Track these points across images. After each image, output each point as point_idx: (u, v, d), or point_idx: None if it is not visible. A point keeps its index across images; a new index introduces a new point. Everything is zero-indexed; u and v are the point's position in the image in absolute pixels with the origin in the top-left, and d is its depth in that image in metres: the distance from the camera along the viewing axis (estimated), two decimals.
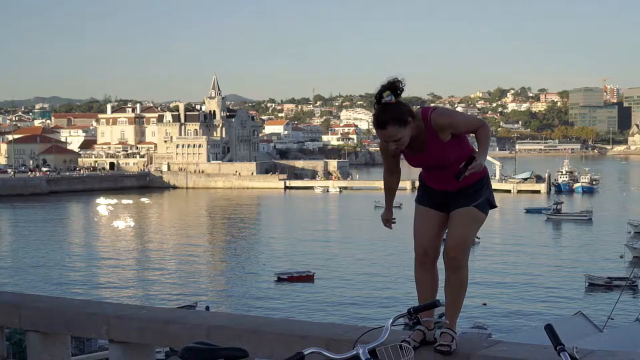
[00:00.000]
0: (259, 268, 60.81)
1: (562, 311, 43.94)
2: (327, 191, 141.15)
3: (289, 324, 5.41)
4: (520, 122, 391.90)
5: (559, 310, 44.14)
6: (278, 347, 5.03)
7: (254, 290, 52.75)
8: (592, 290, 50.58)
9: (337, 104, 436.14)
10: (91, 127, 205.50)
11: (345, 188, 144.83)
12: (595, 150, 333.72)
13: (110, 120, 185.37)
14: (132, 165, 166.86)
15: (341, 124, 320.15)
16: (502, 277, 54.51)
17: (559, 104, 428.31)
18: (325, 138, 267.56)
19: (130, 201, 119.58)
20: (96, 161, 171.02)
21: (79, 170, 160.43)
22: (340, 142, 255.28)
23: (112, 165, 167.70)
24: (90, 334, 5.90)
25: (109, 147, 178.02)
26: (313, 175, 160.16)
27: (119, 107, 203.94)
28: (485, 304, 45.90)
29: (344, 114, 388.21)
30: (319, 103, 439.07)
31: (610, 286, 50.33)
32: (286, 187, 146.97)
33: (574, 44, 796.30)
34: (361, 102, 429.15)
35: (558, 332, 3.84)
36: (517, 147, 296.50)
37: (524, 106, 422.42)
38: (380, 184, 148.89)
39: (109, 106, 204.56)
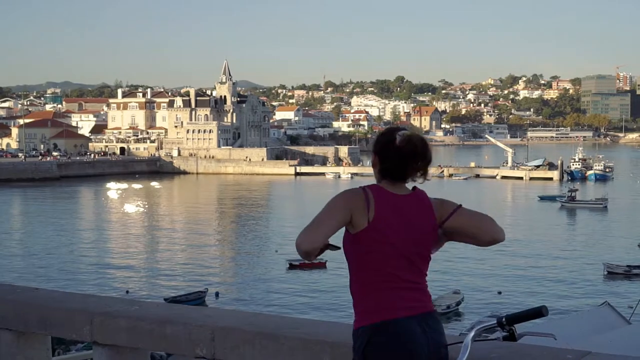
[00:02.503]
0: (270, 254, 59.90)
1: (581, 300, 42.88)
2: (339, 177, 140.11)
3: (313, 327, 4.37)
4: (532, 110, 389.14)
5: (578, 300, 43.07)
6: (299, 356, 4.02)
7: (266, 276, 51.86)
8: (611, 279, 49.46)
9: (348, 90, 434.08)
10: (102, 112, 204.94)
11: (357, 174, 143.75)
12: (608, 138, 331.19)
13: (121, 105, 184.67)
14: (142, 150, 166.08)
15: (352, 111, 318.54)
16: (517, 265, 53.40)
17: (571, 91, 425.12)
18: (335, 124, 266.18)
19: (141, 186, 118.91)
20: (107, 146, 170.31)
21: (90, 154, 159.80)
22: (351, 129, 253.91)
23: (122, 150, 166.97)
24: (70, 335, 4.86)
25: (120, 132, 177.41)
26: (324, 161, 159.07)
27: (130, 92, 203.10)
28: (500, 293, 44.93)
29: (354, 100, 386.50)
30: (329, 89, 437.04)
31: (629, 275, 49.23)
32: (297, 173, 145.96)
33: (587, 31, 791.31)
34: (372, 89, 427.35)
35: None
36: (529, 134, 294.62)
37: (536, 93, 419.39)
38: None
39: (119, 91, 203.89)
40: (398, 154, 3.59)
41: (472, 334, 3.16)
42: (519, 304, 42.51)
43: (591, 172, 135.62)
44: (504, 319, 3.17)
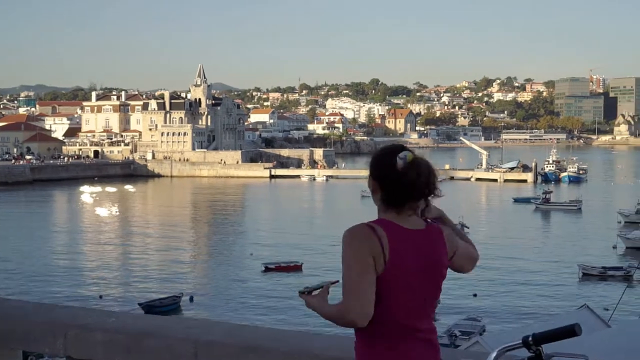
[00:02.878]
0: (246, 258, 59.60)
1: (557, 302, 42.99)
2: (314, 180, 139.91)
3: (301, 340, 4.14)
4: (506, 112, 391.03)
5: (554, 302, 43.18)
6: None
7: (241, 279, 51.55)
8: (586, 280, 49.64)
9: (322, 92, 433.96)
10: (76, 115, 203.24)
11: (332, 177, 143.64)
12: (581, 140, 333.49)
13: (95, 108, 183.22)
14: (116, 153, 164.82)
15: (327, 113, 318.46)
16: (492, 267, 53.45)
17: (544, 93, 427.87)
18: (310, 127, 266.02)
19: (115, 189, 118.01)
20: (80, 149, 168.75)
21: (63, 158, 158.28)
22: (326, 131, 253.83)
23: (96, 153, 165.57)
24: (43, 349, 4.60)
25: (94, 135, 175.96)
26: (299, 164, 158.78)
27: (104, 95, 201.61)
28: (475, 295, 44.92)
29: (329, 102, 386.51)
30: (304, 92, 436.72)
31: (604, 276, 49.45)
32: (272, 176, 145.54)
33: (561, 33, 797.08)
34: (347, 91, 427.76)
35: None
36: (503, 136, 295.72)
37: (510, 96, 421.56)
38: (365, 172, 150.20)
39: (93, 94, 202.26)
40: (401, 181, 3.17)
41: (494, 354, 2.85)
42: (494, 307, 42.57)
43: (565, 174, 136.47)
44: (530, 339, 2.84)
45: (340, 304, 3.12)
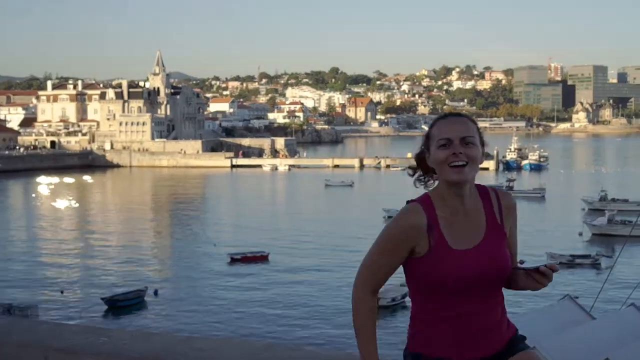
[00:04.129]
0: (210, 249, 58.46)
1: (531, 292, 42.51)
2: (276, 169, 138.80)
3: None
4: (465, 100, 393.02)
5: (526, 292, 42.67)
6: None
7: (207, 271, 50.47)
8: None
9: (282, 81, 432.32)
10: (31, 105, 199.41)
11: (294, 166, 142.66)
12: (540, 128, 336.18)
13: (51, 97, 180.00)
14: (74, 143, 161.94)
15: (287, 102, 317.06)
16: None
17: (503, 82, 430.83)
18: (271, 116, 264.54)
19: (72, 180, 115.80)
20: (37, 139, 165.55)
21: (19, 149, 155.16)
22: (287, 120, 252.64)
23: (53, 143, 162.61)
24: None
25: (50, 125, 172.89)
26: (260, 153, 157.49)
27: (60, 84, 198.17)
28: None
29: (289, 91, 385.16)
30: (264, 81, 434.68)
31: (573, 264, 49.21)
32: (233, 166, 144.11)
33: (519, 22, 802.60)
34: (307, 80, 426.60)
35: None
36: None
37: (469, 84, 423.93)
38: (328, 161, 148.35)
39: (49, 83, 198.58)
40: None
41: None
42: None
43: (526, 162, 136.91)
44: None
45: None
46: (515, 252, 3.43)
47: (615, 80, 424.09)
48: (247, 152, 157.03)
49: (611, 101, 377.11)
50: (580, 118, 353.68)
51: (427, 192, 3.27)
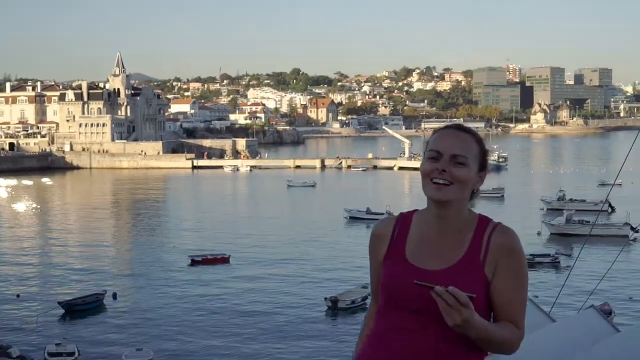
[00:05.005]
0: (170, 251, 58.10)
1: None
2: (237, 170, 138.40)
3: None
4: (425, 101, 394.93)
5: None
6: None
7: (167, 273, 50.11)
8: None
9: (244, 82, 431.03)
10: None
11: (255, 167, 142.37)
12: (499, 129, 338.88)
13: (10, 99, 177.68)
14: (33, 145, 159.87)
15: (249, 103, 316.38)
16: None
17: (463, 83, 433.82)
18: (232, 117, 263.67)
19: (31, 182, 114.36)
20: None
21: None
22: (248, 121, 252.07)
23: (11, 145, 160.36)
24: None
25: (8, 127, 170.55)
26: (221, 154, 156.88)
27: (19, 86, 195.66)
28: None
29: (251, 92, 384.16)
30: (225, 82, 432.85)
31: (533, 263, 49.63)
32: (194, 167, 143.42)
33: (478, 23, 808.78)
34: (268, 81, 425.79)
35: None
36: (424, 125, 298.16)
37: (429, 85, 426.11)
38: (289, 162, 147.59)
39: (7, 85, 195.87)
40: None
41: None
42: None
43: None
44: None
45: (517, 328, 2.87)
46: (512, 308, 2.86)
47: (572, 82, 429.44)
48: (209, 154, 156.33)
49: (568, 102, 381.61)
50: (538, 119, 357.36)
51: (416, 209, 3.06)
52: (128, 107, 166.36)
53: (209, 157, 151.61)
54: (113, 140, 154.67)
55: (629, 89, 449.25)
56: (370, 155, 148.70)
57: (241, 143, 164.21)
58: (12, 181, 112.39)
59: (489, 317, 2.81)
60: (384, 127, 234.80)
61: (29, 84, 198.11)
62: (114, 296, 43.41)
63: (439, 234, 2.89)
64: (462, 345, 2.77)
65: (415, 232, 2.94)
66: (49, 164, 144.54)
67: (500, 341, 2.77)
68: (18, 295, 43.72)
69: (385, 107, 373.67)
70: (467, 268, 2.81)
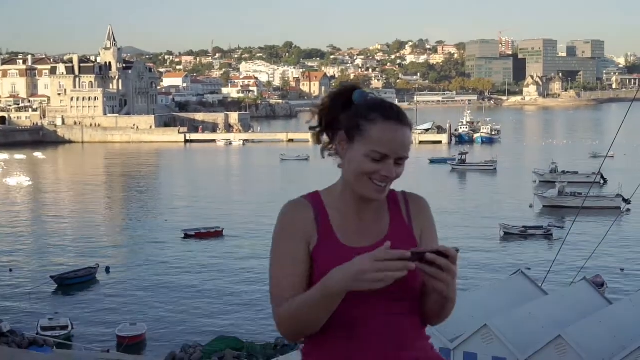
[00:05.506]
0: (163, 225, 58.02)
1: (483, 262, 42.91)
2: (230, 144, 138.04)
3: None
4: (418, 74, 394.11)
5: (479, 261, 43.07)
6: None
7: (159, 248, 50.09)
8: (507, 240, 49.89)
9: (236, 56, 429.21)
10: None
11: (248, 141, 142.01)
12: (492, 102, 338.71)
13: (0, 72, 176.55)
14: (24, 119, 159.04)
15: (241, 77, 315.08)
16: None
17: (456, 55, 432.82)
18: (225, 91, 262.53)
19: (23, 157, 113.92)
20: None
21: None
22: (241, 95, 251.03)
23: (3, 119, 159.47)
24: None
25: (0, 101, 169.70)
26: (214, 128, 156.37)
27: (10, 59, 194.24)
28: None
29: (243, 66, 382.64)
30: (217, 55, 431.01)
31: (525, 235, 49.81)
32: (187, 141, 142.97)
33: None
34: (261, 55, 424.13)
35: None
36: (416, 98, 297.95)
37: (422, 58, 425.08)
38: (282, 136, 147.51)
39: None
40: None
41: None
42: None
43: (478, 135, 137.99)
44: None
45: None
46: None
47: (564, 54, 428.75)
48: (203, 128, 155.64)
49: (561, 75, 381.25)
50: (530, 91, 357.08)
51: (317, 190, 2.76)
52: (120, 81, 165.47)
53: (203, 131, 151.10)
54: (105, 114, 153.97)
55: (622, 61, 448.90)
56: None
57: (234, 117, 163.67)
58: (4, 155, 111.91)
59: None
60: None
61: (20, 57, 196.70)
62: (107, 270, 43.42)
63: (359, 211, 2.68)
64: (418, 316, 2.66)
65: (334, 215, 2.68)
66: (41, 138, 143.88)
67: (453, 300, 2.56)
68: (11, 270, 43.68)
69: (378, 80, 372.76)
70: (399, 236, 2.66)
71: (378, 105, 2.65)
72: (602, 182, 73.27)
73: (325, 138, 2.73)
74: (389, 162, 2.56)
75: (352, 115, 2.64)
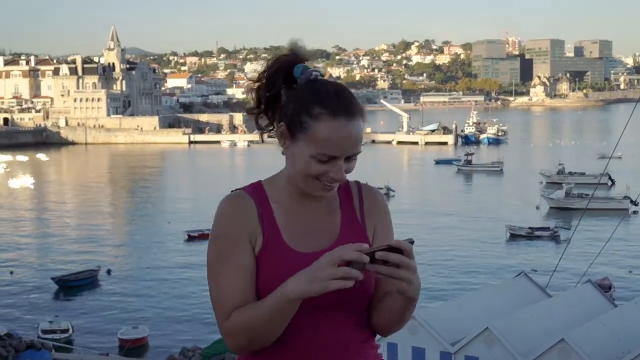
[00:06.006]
0: (166, 226, 57.56)
1: (489, 263, 42.34)
2: (235, 145, 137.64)
3: None
4: (424, 75, 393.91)
5: (486, 263, 42.51)
6: None
7: (162, 250, 49.59)
8: (514, 241, 49.32)
9: (241, 56, 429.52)
10: None
11: (252, 142, 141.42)
12: (499, 102, 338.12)
13: (3, 73, 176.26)
14: (27, 120, 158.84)
15: (246, 77, 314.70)
16: (418, 231, 52.63)
17: (462, 56, 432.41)
18: (229, 91, 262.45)
19: (26, 158, 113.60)
20: None
21: None
22: (245, 96, 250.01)
23: (5, 120, 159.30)
24: None
25: (2, 102, 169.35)
26: (218, 129, 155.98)
27: (13, 60, 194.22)
28: None
29: (248, 66, 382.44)
30: (222, 56, 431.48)
31: (532, 236, 49.26)
32: (191, 142, 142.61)
33: None
34: (265, 55, 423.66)
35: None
36: (422, 99, 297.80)
37: (428, 59, 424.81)
38: None
39: (1, 59, 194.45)
40: None
41: None
42: (423, 278, 41.65)
43: (484, 135, 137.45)
44: None
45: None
46: None
47: (572, 54, 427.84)
48: (209, 129, 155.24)
49: (568, 75, 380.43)
50: (537, 92, 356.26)
51: (259, 180, 2.42)
52: (123, 82, 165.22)
53: (209, 132, 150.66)
54: (109, 115, 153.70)
55: (629, 61, 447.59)
56: (368, 130, 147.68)
57: (238, 118, 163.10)
58: (7, 157, 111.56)
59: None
60: (382, 101, 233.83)
61: (23, 58, 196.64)
62: (108, 272, 42.96)
63: (307, 207, 2.38)
64: (367, 329, 2.38)
65: (279, 210, 2.36)
66: (44, 140, 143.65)
67: (415, 300, 2.27)
68: (12, 272, 43.27)
69: (384, 80, 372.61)
70: (351, 234, 2.36)
71: (323, 96, 2.28)
72: (609, 183, 72.65)
73: (264, 120, 2.40)
74: (338, 162, 2.26)
75: (293, 103, 2.30)
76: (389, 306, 2.30)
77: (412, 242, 2.11)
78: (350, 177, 2.38)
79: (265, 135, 2.41)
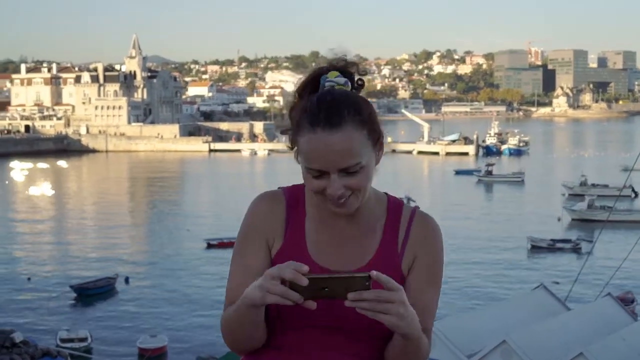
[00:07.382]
0: (185, 234, 57.47)
1: (509, 276, 41.85)
2: (255, 154, 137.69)
3: None
4: (446, 85, 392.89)
5: (506, 276, 42.02)
6: None
7: (182, 257, 49.46)
8: (535, 253, 48.78)
9: (262, 65, 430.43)
10: (5, 89, 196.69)
11: (273, 150, 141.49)
12: (521, 113, 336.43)
13: (25, 80, 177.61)
14: (48, 127, 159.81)
15: (267, 86, 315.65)
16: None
17: (484, 66, 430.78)
18: (250, 100, 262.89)
19: (47, 165, 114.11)
20: (10, 124, 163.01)
21: None
22: (266, 104, 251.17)
23: (27, 128, 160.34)
24: None
25: (24, 109, 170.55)
26: (238, 137, 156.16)
27: (35, 68, 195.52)
28: None
29: (269, 75, 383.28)
30: (243, 64, 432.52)
31: (553, 249, 48.70)
32: (211, 150, 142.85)
33: (500, 5, 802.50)
34: (287, 64, 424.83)
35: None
36: (444, 109, 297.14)
37: (450, 68, 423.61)
38: None
39: (23, 66, 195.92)
40: None
41: None
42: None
43: (506, 146, 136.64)
44: None
45: (427, 338, 2.16)
46: (427, 312, 2.14)
47: (595, 65, 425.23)
48: (225, 137, 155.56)
49: (591, 86, 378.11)
50: (560, 103, 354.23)
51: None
52: (144, 90, 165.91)
53: (225, 140, 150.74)
54: (129, 123, 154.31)
55: None
56: (389, 139, 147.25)
57: (258, 126, 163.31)
58: (28, 164, 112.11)
59: None
60: (403, 110, 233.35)
61: (45, 65, 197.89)
62: (126, 280, 42.86)
63: (342, 221, 2.21)
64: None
65: (313, 217, 2.23)
66: (65, 147, 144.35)
67: (425, 349, 2.10)
68: (29, 279, 43.27)
69: (405, 90, 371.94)
70: (381, 264, 2.16)
71: (308, 106, 2.14)
72: (633, 195, 71.90)
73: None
74: (331, 177, 2.09)
75: (294, 115, 2.21)
76: (392, 343, 2.12)
77: (368, 277, 1.89)
78: (396, 194, 2.25)
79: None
